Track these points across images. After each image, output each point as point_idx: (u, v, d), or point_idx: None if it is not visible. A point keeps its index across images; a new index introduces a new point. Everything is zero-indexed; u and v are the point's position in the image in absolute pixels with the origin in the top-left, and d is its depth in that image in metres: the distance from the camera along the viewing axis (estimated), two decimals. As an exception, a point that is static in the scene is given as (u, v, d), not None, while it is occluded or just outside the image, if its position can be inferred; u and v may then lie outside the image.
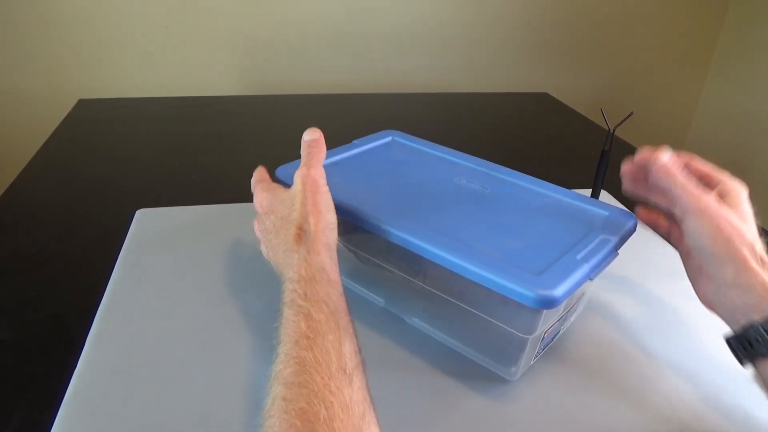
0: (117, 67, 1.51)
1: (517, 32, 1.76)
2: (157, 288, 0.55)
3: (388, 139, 0.66)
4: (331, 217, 0.44)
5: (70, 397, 0.42)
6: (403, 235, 0.45)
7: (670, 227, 0.49)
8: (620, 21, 1.81)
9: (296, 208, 0.43)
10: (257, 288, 0.55)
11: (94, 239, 0.67)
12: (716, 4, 1.87)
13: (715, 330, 0.43)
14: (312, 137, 0.47)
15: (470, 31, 1.73)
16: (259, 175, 0.53)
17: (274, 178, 0.53)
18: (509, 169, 0.58)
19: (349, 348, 0.35)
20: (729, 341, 0.40)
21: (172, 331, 0.49)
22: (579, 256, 0.42)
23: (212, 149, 0.96)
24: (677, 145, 2.10)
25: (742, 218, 0.41)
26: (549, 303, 0.38)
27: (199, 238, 0.64)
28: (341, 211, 0.47)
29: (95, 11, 1.43)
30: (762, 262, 0.39)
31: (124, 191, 0.79)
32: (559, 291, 0.38)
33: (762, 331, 0.37)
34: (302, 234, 0.42)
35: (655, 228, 0.51)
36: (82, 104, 1.16)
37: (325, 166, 0.47)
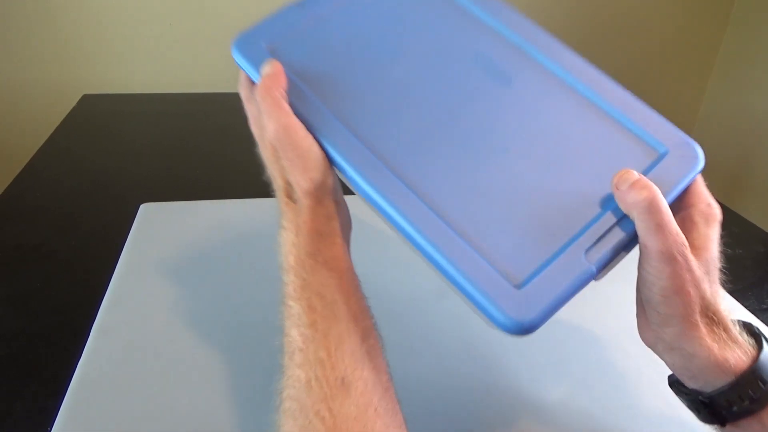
0: (122, 63, 1.51)
1: (520, 33, 1.77)
2: (160, 281, 0.55)
3: None
4: (318, 176, 0.35)
5: (75, 386, 0.43)
6: (354, 175, 0.35)
7: None
8: (622, 24, 1.81)
9: (278, 175, 0.37)
10: (261, 282, 0.56)
11: (99, 232, 0.67)
12: (719, 8, 1.87)
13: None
14: (268, 71, 0.38)
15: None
16: (272, 81, 0.38)
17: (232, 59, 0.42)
18: (562, 47, 0.40)
19: (351, 344, 0.31)
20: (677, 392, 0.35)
21: (175, 324, 0.50)
22: (587, 251, 0.32)
23: (216, 145, 0.96)
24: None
25: (706, 268, 0.32)
26: (525, 331, 0.30)
27: (203, 233, 0.64)
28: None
29: (100, 7, 1.43)
30: (712, 321, 0.32)
31: (128, 185, 0.79)
32: (540, 315, 0.30)
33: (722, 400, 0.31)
34: (290, 203, 0.36)
35: None
36: (87, 99, 1.16)
37: (297, 30, 0.40)
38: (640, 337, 0.35)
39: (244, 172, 0.84)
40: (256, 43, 0.41)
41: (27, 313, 0.53)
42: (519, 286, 0.30)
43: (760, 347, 0.32)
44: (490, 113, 0.38)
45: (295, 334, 0.32)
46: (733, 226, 0.79)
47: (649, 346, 0.34)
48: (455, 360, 0.47)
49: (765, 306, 0.61)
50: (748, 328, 0.34)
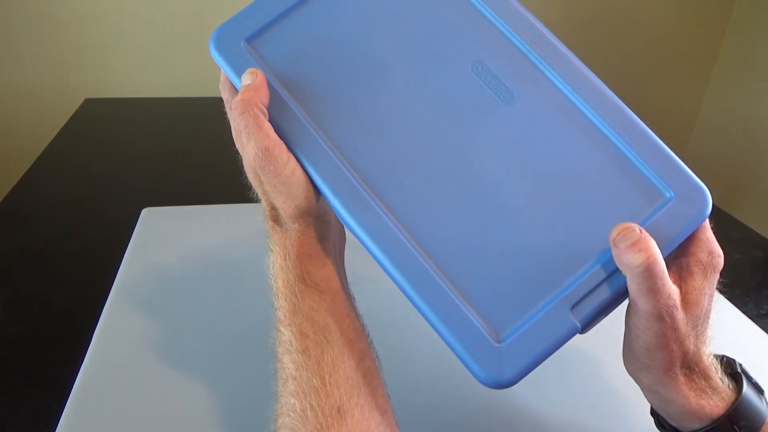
0: (123, 67, 1.51)
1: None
2: (162, 285, 0.56)
3: None
4: (303, 202, 0.33)
5: (78, 390, 0.43)
6: (338, 207, 0.33)
7: None
8: (621, 29, 1.81)
9: (261, 197, 0.36)
10: (261, 286, 0.56)
11: (101, 237, 0.67)
12: (718, 12, 1.88)
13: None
14: (248, 82, 0.35)
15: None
16: (253, 95, 0.34)
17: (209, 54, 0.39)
18: (568, 56, 0.36)
19: (345, 370, 0.30)
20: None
21: (176, 328, 0.50)
22: (573, 306, 0.30)
23: (218, 149, 0.97)
24: (678, 153, 2.10)
25: (694, 323, 0.31)
26: (501, 386, 0.29)
27: (204, 237, 0.64)
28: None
29: (101, 12, 1.43)
30: (692, 372, 0.32)
31: (130, 190, 0.80)
32: (518, 372, 0.29)
33: None
34: (276, 227, 0.35)
35: None
36: (89, 103, 1.16)
37: (286, 26, 0.36)
38: (624, 366, 0.34)
39: (245, 177, 0.84)
40: (234, 40, 0.37)
41: (29, 318, 0.54)
42: (500, 341, 0.30)
43: (739, 391, 0.32)
44: (487, 136, 0.34)
45: (287, 361, 0.31)
46: (731, 232, 0.79)
47: (632, 377, 0.34)
48: (452, 367, 0.48)
49: (763, 311, 0.61)
50: (727, 368, 0.34)
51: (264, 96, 0.34)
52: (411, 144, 0.34)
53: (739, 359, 0.35)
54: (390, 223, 0.32)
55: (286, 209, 0.33)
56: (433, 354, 0.49)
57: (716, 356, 0.34)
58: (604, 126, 0.34)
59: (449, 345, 0.30)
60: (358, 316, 0.34)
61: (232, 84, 0.37)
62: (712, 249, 0.32)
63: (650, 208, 0.32)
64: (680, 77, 1.95)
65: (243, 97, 0.34)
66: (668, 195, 0.33)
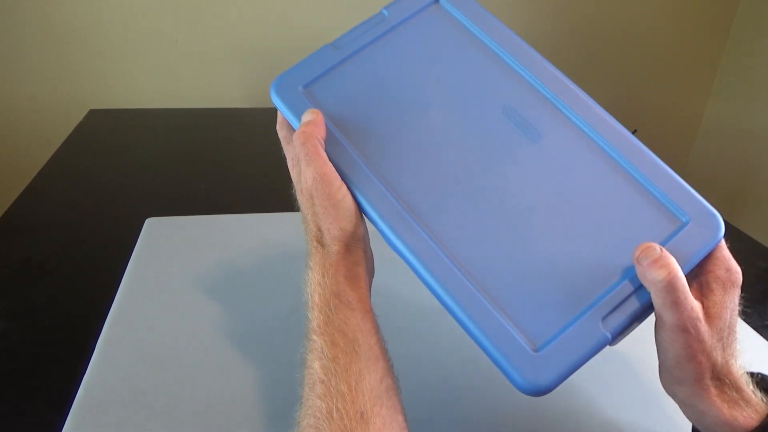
0: (128, 78, 1.52)
1: (522, 49, 1.78)
2: (165, 295, 0.56)
3: (432, 2, 0.45)
4: (349, 227, 0.37)
5: (80, 401, 0.43)
6: (385, 229, 0.36)
7: None
8: (623, 39, 1.82)
9: (311, 219, 0.39)
10: (265, 297, 0.56)
11: (105, 247, 0.68)
12: (720, 21, 1.88)
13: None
14: (309, 119, 0.40)
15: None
16: (313, 129, 0.39)
17: (269, 100, 0.43)
18: (586, 99, 0.40)
19: (370, 381, 0.33)
20: None
21: (179, 339, 0.50)
22: (603, 318, 0.33)
23: (221, 160, 0.97)
24: (681, 161, 2.11)
25: (719, 335, 0.33)
26: (540, 393, 0.31)
27: (208, 247, 0.64)
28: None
29: (106, 23, 1.45)
30: (723, 383, 0.34)
31: (134, 200, 0.80)
32: (555, 379, 0.31)
33: None
34: (319, 248, 0.38)
35: None
36: (93, 114, 1.17)
37: (323, 80, 0.41)
38: (662, 385, 0.36)
39: (249, 187, 0.84)
40: (293, 86, 0.42)
41: (32, 328, 0.54)
42: (537, 350, 0.32)
43: None
44: (518, 169, 0.38)
45: (317, 367, 0.33)
46: (735, 242, 0.79)
47: (669, 395, 0.36)
48: (460, 375, 0.48)
49: (767, 323, 0.61)
50: (761, 383, 0.35)
51: (322, 130, 0.39)
52: (449, 175, 0.38)
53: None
54: (432, 243, 0.35)
55: (332, 230, 0.37)
56: (440, 365, 0.49)
57: (752, 373, 0.36)
58: (622, 159, 0.38)
59: (489, 354, 0.32)
60: (382, 339, 0.36)
61: (288, 124, 0.42)
62: (729, 266, 0.35)
63: (669, 231, 0.36)
64: (682, 86, 1.95)
65: (305, 129, 0.39)
66: (684, 219, 0.36)
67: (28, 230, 0.71)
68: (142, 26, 1.48)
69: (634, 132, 0.65)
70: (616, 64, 1.85)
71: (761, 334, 0.56)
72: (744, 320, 0.58)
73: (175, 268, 0.60)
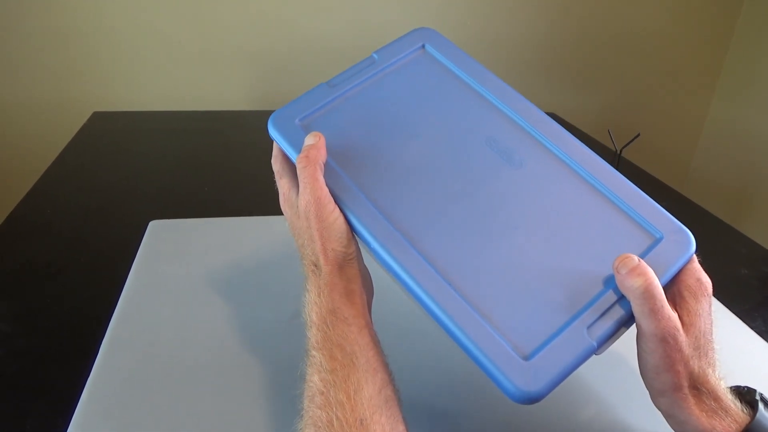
0: (131, 81, 1.53)
1: (524, 54, 1.78)
2: (169, 298, 0.56)
3: (418, 48, 0.49)
4: (340, 247, 0.39)
5: (84, 404, 0.43)
6: (376, 247, 0.38)
7: None
8: (627, 42, 1.82)
9: (307, 244, 0.40)
10: (268, 300, 0.56)
11: (108, 249, 0.68)
12: (723, 25, 1.88)
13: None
14: (311, 142, 0.42)
15: (477, 52, 1.75)
16: (316, 152, 0.41)
17: (268, 136, 0.45)
18: (561, 131, 0.44)
19: (369, 391, 0.33)
20: None
21: (183, 341, 0.50)
22: (589, 327, 0.34)
23: (225, 162, 0.97)
24: (684, 164, 2.11)
25: (695, 344, 0.35)
26: (532, 400, 0.32)
27: (211, 250, 0.65)
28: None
29: (110, 25, 1.45)
30: (701, 393, 0.35)
31: (137, 202, 0.80)
32: (546, 387, 0.32)
33: None
34: (316, 270, 0.39)
35: None
36: (97, 116, 1.18)
37: (322, 115, 0.44)
38: (650, 398, 0.37)
39: (253, 190, 0.84)
40: (289, 120, 0.44)
41: (36, 331, 0.54)
42: (526, 358, 0.33)
43: (753, 414, 0.34)
44: (502, 192, 0.41)
45: (316, 380, 0.34)
46: (738, 247, 0.79)
47: (655, 407, 0.37)
48: (460, 382, 0.48)
49: (772, 327, 0.60)
50: (745, 395, 0.36)
51: (323, 154, 0.41)
52: (438, 198, 0.40)
53: (746, 374, 0.36)
54: (422, 260, 0.37)
55: (325, 250, 0.39)
56: (440, 371, 0.49)
57: (738, 386, 0.37)
58: (598, 183, 0.41)
59: (480, 365, 0.33)
60: (381, 352, 0.37)
61: (283, 157, 0.44)
62: (699, 276, 0.37)
63: (644, 246, 0.38)
64: (685, 91, 1.95)
65: (307, 154, 0.41)
66: (658, 236, 0.39)
67: (32, 232, 0.72)
68: (146, 29, 1.49)
69: (637, 136, 0.66)
70: (619, 66, 1.84)
71: (765, 339, 0.56)
72: (748, 325, 0.58)
73: (178, 270, 0.60)
